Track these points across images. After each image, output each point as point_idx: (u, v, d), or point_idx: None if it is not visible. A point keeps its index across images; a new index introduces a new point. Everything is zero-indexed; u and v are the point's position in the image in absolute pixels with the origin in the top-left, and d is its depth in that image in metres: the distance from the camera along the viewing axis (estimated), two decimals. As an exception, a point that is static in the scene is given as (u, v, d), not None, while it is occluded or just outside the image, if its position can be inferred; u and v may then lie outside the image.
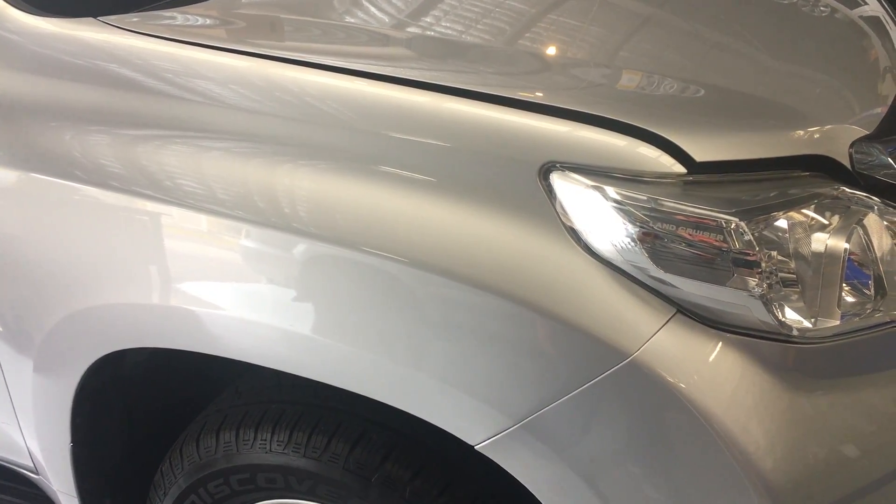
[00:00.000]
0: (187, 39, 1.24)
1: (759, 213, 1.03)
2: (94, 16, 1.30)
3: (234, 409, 1.37)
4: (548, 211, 1.06)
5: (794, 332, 1.05)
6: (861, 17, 1.74)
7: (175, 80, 1.22)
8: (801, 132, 1.15)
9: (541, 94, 1.12)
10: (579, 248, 1.05)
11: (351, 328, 1.13)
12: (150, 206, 1.21)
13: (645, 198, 1.03)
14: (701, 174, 1.04)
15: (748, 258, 1.02)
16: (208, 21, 1.41)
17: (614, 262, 1.05)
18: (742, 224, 1.01)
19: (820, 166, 1.13)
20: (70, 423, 1.42)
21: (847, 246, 1.07)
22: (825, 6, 1.70)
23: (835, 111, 1.26)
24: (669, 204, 1.03)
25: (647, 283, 1.05)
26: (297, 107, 1.16)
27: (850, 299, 1.10)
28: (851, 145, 1.16)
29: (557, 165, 1.05)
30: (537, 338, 1.06)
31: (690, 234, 1.03)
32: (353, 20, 1.42)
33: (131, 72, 1.24)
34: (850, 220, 1.09)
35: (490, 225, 1.07)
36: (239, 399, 1.40)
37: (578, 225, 1.05)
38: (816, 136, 1.15)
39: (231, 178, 1.17)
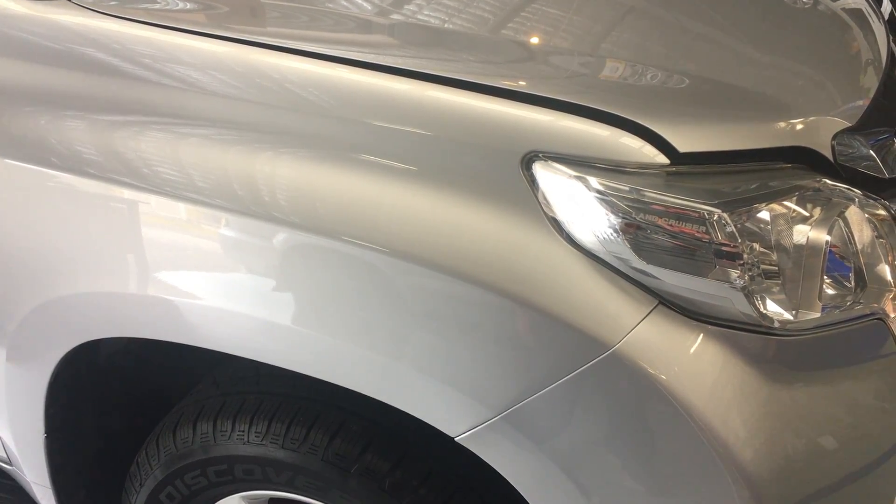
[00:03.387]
0: (166, 24, 1.21)
1: (741, 205, 1.03)
2: (69, -3, 1.27)
3: (211, 400, 1.36)
4: (530, 201, 1.05)
5: (775, 324, 1.05)
6: (843, 9, 1.74)
7: (153, 66, 1.20)
8: (784, 124, 1.14)
9: (524, 83, 1.11)
10: (561, 239, 1.04)
11: (330, 319, 1.11)
12: (127, 193, 1.19)
13: (627, 188, 1.02)
14: (684, 165, 1.04)
15: (730, 250, 1.02)
16: (188, 5, 1.38)
17: (596, 253, 1.04)
18: (724, 216, 1.01)
19: (802, 158, 1.13)
20: (44, 414, 1.40)
21: (828, 238, 1.07)
22: (807, -2, 1.70)
23: (817, 103, 1.26)
24: (652, 195, 1.02)
25: (629, 274, 1.04)
26: (277, 94, 1.15)
27: (830, 291, 1.10)
28: (833, 137, 1.16)
29: (540, 155, 1.04)
30: (518, 329, 1.05)
31: (673, 226, 1.02)
32: (336, 6, 1.40)
33: (108, 56, 1.22)
34: (832, 213, 1.09)
35: (472, 215, 1.06)
36: (216, 389, 1.39)
37: (561, 215, 1.04)
38: (799, 127, 1.15)
39: (210, 166, 1.15)
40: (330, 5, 1.40)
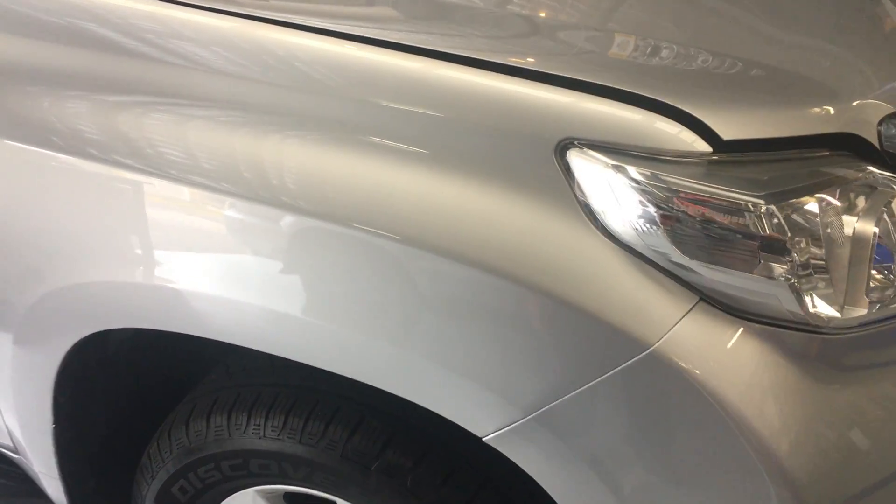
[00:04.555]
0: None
1: (789, 196, 0.97)
2: (74, -29, 1.21)
3: (225, 392, 1.31)
4: (564, 191, 0.99)
5: (822, 322, 1.00)
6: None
7: (157, 42, 1.14)
8: (830, 109, 1.08)
9: (557, 65, 1.04)
10: (598, 232, 0.99)
11: (352, 312, 1.06)
12: (135, 178, 1.14)
13: (669, 178, 0.97)
14: (727, 153, 0.98)
15: (777, 244, 0.96)
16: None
17: (634, 247, 0.99)
18: (772, 207, 0.95)
19: (846, 144, 1.07)
20: (52, 404, 1.35)
21: (876, 230, 1.01)
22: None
23: (861, 86, 1.20)
24: (694, 185, 0.96)
25: (669, 268, 0.99)
26: (286, 73, 1.09)
27: (877, 286, 1.05)
28: (879, 122, 1.10)
29: (575, 143, 0.98)
30: (552, 325, 1.00)
31: (717, 218, 0.96)
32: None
33: (111, 32, 1.15)
34: (878, 203, 1.03)
35: (502, 205, 1.00)
36: (230, 380, 1.34)
37: (597, 206, 0.99)
38: (845, 112, 1.09)
39: (217, 149, 1.10)
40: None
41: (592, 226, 0.99)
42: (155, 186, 1.13)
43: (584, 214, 0.99)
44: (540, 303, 0.99)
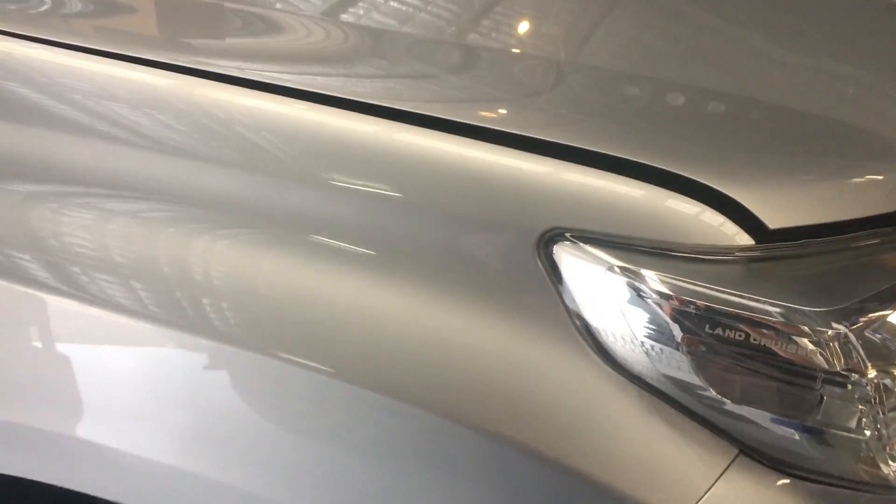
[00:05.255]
0: (86, 45, 0.90)
1: (862, 311, 0.70)
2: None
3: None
4: (549, 300, 0.73)
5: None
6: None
7: (83, 105, 0.89)
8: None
9: (533, 125, 0.78)
10: (596, 357, 0.72)
11: (306, 483, 0.79)
12: (41, 299, 0.88)
13: (697, 287, 0.69)
14: (775, 246, 0.71)
15: (851, 377, 0.69)
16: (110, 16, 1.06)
17: (648, 379, 0.72)
18: (841, 329, 0.68)
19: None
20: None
21: None
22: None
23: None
24: (731, 297, 0.69)
25: (698, 411, 0.72)
26: (224, 140, 0.84)
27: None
28: None
29: (566, 234, 0.72)
30: (539, 493, 0.73)
31: (765, 342, 0.69)
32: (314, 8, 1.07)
33: (20, 89, 0.91)
34: None
35: (463, 323, 0.74)
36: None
37: (597, 324, 0.72)
38: None
39: (138, 259, 0.85)
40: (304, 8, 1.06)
41: (589, 348, 0.73)
42: (68, 311, 0.88)
43: (576, 333, 0.73)
44: (522, 464, 0.72)
